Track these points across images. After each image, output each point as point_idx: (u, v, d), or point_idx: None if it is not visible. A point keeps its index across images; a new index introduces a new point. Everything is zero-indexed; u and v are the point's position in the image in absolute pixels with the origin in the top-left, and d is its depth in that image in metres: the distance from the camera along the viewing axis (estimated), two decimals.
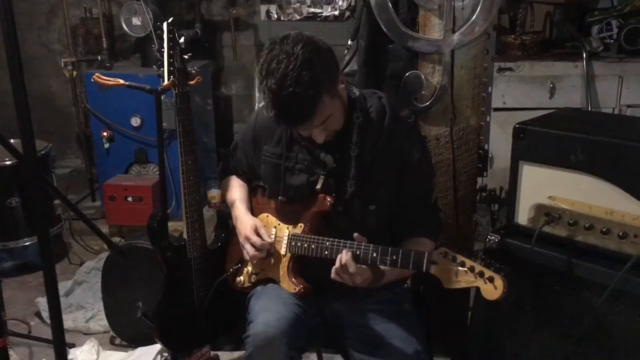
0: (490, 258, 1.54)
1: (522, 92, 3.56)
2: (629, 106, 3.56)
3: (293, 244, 1.82)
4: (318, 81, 1.57)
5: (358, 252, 1.65)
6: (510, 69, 3.54)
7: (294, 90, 1.55)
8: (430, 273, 1.56)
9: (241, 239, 1.89)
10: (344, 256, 1.64)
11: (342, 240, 1.69)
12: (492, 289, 1.49)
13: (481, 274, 1.49)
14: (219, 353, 2.51)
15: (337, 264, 1.65)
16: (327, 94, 1.60)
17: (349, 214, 1.79)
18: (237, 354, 2.52)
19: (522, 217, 1.89)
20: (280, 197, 1.87)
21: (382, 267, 1.70)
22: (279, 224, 1.88)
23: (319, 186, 1.78)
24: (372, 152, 1.77)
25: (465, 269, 1.51)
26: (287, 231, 1.84)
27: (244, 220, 1.91)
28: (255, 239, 1.83)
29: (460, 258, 1.53)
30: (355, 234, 1.67)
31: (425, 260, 1.57)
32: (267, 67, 1.58)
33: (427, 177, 1.89)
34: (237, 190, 2.03)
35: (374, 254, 1.63)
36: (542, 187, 1.83)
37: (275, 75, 1.56)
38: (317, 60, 1.58)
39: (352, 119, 1.77)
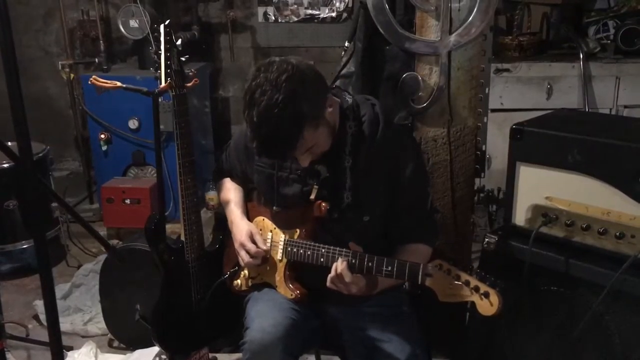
0: (485, 271, 1.53)
1: (519, 93, 3.56)
2: (625, 107, 3.56)
3: (289, 249, 1.81)
4: (301, 116, 1.54)
5: (354, 261, 1.64)
6: (507, 70, 3.54)
7: (275, 127, 1.53)
8: (426, 285, 1.56)
9: (236, 245, 1.88)
10: (340, 265, 1.63)
11: (338, 248, 1.69)
12: (488, 305, 1.48)
13: (476, 289, 1.49)
14: (217, 355, 2.51)
15: (333, 272, 1.65)
16: (310, 128, 1.58)
17: (345, 222, 1.78)
18: (235, 356, 2.51)
19: (520, 217, 1.89)
20: (274, 207, 1.85)
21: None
22: (274, 228, 1.87)
23: (312, 196, 1.77)
24: (366, 162, 1.75)
25: (461, 282, 1.51)
26: (283, 236, 1.84)
27: (240, 226, 1.90)
28: (250, 246, 1.83)
29: (455, 271, 1.52)
30: (351, 243, 1.67)
31: (420, 273, 1.56)
32: (250, 97, 1.56)
33: (423, 184, 1.87)
34: (232, 193, 2.02)
35: (370, 264, 1.63)
36: (539, 187, 1.83)
37: (257, 108, 1.54)
38: (302, 92, 1.55)
39: (345, 128, 1.74)
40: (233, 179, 2.06)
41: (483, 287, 1.48)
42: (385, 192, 1.78)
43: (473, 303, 1.51)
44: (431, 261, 1.58)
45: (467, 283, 1.50)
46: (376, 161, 1.75)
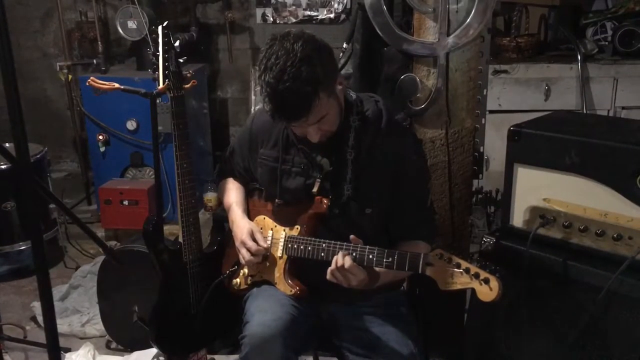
0: (485, 259, 1.54)
1: (517, 94, 3.57)
2: (623, 108, 3.57)
3: (289, 246, 1.82)
4: (316, 78, 1.57)
5: (354, 254, 1.65)
6: (505, 72, 3.55)
7: (292, 85, 1.55)
8: (426, 275, 1.57)
9: (237, 243, 1.89)
10: (340, 258, 1.64)
11: (339, 242, 1.70)
12: (488, 291, 1.49)
13: (477, 276, 1.50)
14: (215, 357, 2.51)
15: (333, 265, 1.65)
16: (324, 92, 1.60)
17: (346, 217, 1.79)
18: (233, 357, 2.51)
19: (517, 219, 1.89)
20: (277, 200, 1.87)
21: (377, 269, 1.70)
22: (275, 226, 1.88)
23: (315, 189, 1.79)
24: (368, 156, 1.77)
25: (461, 270, 1.52)
26: (283, 233, 1.84)
27: (240, 224, 1.91)
28: (250, 243, 1.83)
29: (455, 259, 1.53)
30: (352, 236, 1.67)
31: (421, 262, 1.57)
32: (266, 62, 1.59)
33: (423, 180, 1.89)
34: (233, 193, 2.04)
35: (370, 256, 1.64)
36: (537, 189, 1.83)
37: (273, 70, 1.56)
38: (316, 58, 1.58)
39: (349, 122, 1.77)
40: (236, 178, 2.07)
41: (483, 274, 1.49)
42: (387, 185, 1.79)
43: (474, 290, 1.51)
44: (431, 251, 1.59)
45: (467, 270, 1.51)
46: (378, 155, 1.77)
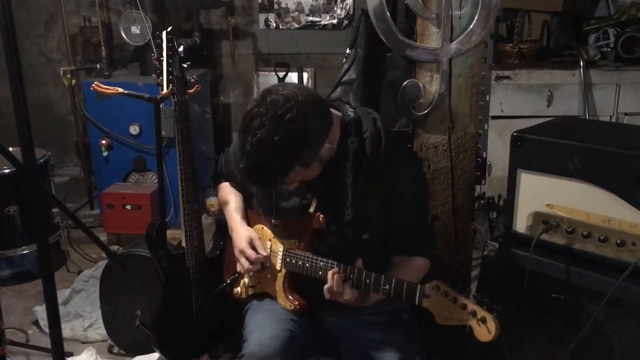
0: (483, 297, 1.50)
1: (519, 100, 3.57)
2: (626, 114, 3.57)
3: (288, 260, 1.80)
4: (293, 159, 1.54)
5: (352, 277, 1.64)
6: (507, 77, 3.55)
7: (264, 162, 1.54)
8: (423, 306, 1.56)
9: (236, 252, 1.87)
10: (329, 278, 1.64)
11: (337, 262, 1.68)
12: (485, 332, 1.46)
13: (474, 314, 1.47)
14: None
15: (329, 283, 1.65)
16: (300, 168, 1.58)
17: (343, 237, 1.77)
18: None
19: (520, 225, 1.89)
20: (273, 220, 1.85)
21: None
22: (273, 237, 1.86)
23: (311, 209, 1.75)
24: (366, 179, 1.73)
25: (457, 306, 1.49)
26: (282, 246, 1.83)
27: (240, 232, 1.89)
28: (250, 252, 1.82)
29: (452, 294, 1.50)
30: (359, 261, 1.67)
31: (417, 294, 1.56)
32: (250, 121, 1.55)
33: (423, 201, 1.87)
34: (232, 198, 2.02)
35: (367, 281, 1.63)
36: (540, 195, 1.83)
37: (252, 137, 1.52)
38: (302, 135, 1.52)
39: (347, 144, 1.72)
40: (232, 183, 2.06)
41: (480, 312, 1.46)
42: (386, 210, 1.76)
43: (470, 327, 1.49)
44: (429, 282, 1.56)
45: (463, 307, 1.48)
46: (377, 179, 1.74)
